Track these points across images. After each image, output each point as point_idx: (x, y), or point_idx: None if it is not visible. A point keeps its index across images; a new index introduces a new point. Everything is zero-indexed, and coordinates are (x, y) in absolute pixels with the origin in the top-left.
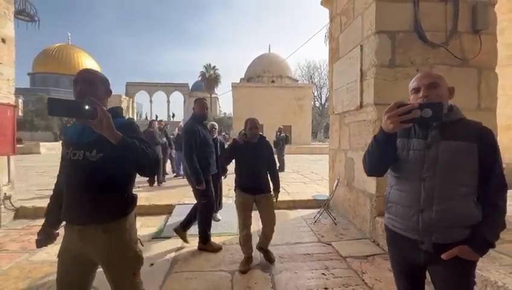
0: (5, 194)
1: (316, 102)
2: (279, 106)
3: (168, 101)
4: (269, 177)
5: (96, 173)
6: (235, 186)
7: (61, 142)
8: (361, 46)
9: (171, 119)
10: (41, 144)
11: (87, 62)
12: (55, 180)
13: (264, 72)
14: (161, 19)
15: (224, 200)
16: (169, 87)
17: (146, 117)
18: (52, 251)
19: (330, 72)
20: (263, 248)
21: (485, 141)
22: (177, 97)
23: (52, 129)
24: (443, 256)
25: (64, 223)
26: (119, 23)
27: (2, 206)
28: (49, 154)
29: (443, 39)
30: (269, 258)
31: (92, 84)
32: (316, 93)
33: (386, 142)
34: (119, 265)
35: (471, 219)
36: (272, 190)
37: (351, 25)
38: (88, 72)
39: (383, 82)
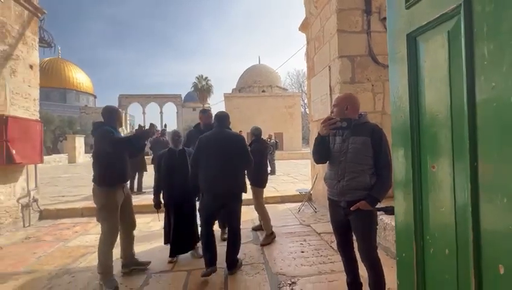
0: (33, 197)
1: (307, 109)
2: (271, 114)
3: (161, 112)
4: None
5: None
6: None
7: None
8: (329, 66)
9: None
10: None
11: (78, 75)
12: (62, 189)
13: (254, 82)
14: (153, 31)
15: None
16: (162, 99)
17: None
18: (84, 239)
19: (308, 86)
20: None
21: (374, 135)
22: (170, 108)
23: (45, 143)
24: (352, 208)
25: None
26: (110, 37)
27: (31, 207)
28: (44, 167)
29: None
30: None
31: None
32: (306, 101)
33: (322, 141)
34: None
35: (366, 184)
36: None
37: (321, 49)
38: (118, 110)
39: None
